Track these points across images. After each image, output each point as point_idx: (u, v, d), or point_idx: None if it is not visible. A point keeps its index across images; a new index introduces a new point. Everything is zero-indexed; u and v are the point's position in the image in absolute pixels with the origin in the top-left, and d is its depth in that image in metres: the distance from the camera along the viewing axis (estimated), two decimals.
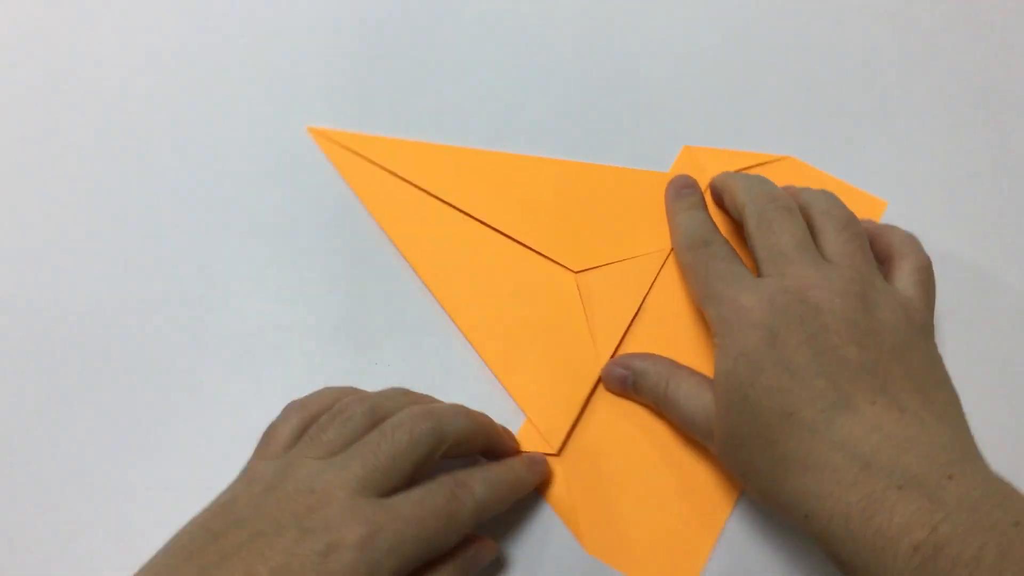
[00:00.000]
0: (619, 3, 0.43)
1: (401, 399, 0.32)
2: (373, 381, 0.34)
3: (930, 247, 0.33)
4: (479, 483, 0.30)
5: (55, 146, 0.40)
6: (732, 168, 0.38)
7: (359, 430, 0.30)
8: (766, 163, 0.39)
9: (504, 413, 0.34)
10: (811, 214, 0.33)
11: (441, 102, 0.41)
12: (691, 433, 0.32)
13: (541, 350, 0.35)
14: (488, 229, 0.37)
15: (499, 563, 0.32)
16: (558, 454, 0.34)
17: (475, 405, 0.32)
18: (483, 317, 0.36)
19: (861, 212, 0.38)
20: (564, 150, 0.40)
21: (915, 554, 0.23)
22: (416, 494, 0.28)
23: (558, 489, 0.33)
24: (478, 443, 0.32)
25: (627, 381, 0.34)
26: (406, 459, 0.28)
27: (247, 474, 0.30)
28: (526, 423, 0.34)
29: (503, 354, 0.35)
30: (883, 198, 0.38)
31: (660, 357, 0.34)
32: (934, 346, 0.30)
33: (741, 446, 0.29)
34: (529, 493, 0.33)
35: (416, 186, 0.38)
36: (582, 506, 0.33)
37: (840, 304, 0.29)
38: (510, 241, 0.37)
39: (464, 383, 0.35)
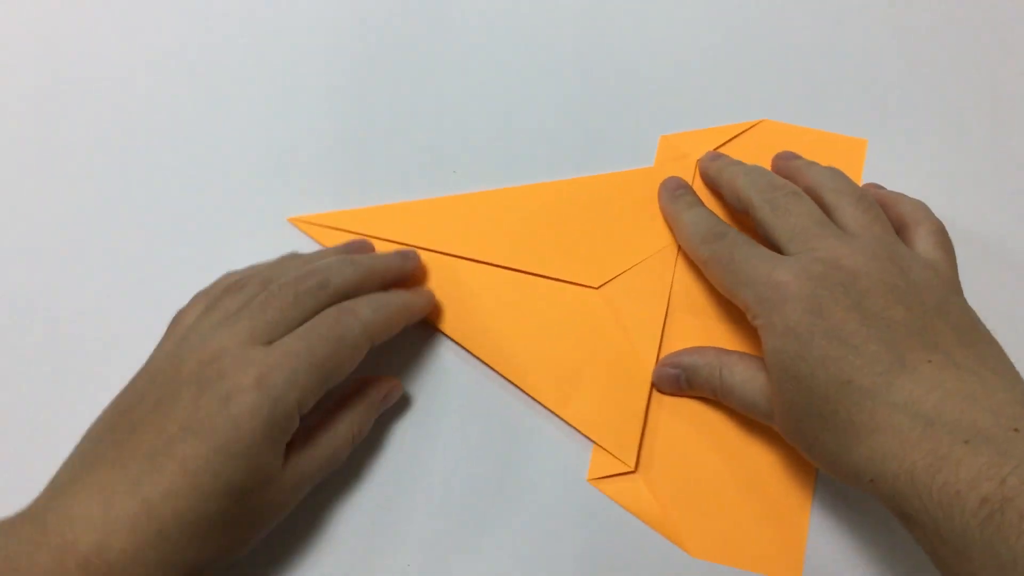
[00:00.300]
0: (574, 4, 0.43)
1: (290, 262, 0.34)
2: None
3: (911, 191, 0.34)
4: (364, 306, 0.32)
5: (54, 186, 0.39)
6: (712, 146, 0.39)
7: (251, 296, 0.31)
8: (743, 132, 0.39)
9: (552, 434, 0.34)
10: (821, 193, 0.33)
11: (402, 151, 0.40)
12: (753, 415, 0.32)
13: (589, 373, 0.35)
14: (498, 269, 0.37)
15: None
16: (635, 470, 0.34)
17: (488, 408, 0.35)
18: (521, 358, 0.35)
19: (843, 155, 0.39)
20: (544, 167, 0.39)
21: (983, 507, 0.23)
22: (301, 329, 0.30)
23: (646, 504, 0.33)
24: (372, 285, 0.33)
25: (680, 379, 0.34)
26: (293, 311, 0.30)
27: (150, 355, 0.31)
28: (596, 448, 0.34)
29: (553, 388, 0.35)
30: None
31: (706, 348, 0.34)
32: (967, 303, 0.30)
33: (802, 420, 0.29)
34: (419, 318, 0.35)
35: (415, 247, 0.37)
36: (676, 514, 0.33)
37: (876, 268, 0.29)
38: (524, 275, 0.37)
39: (471, 389, 0.36)
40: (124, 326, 0.37)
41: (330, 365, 0.29)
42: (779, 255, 0.31)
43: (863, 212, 0.32)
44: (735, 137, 0.39)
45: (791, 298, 0.29)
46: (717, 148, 0.39)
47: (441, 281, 0.37)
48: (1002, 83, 0.40)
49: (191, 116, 0.41)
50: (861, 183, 0.37)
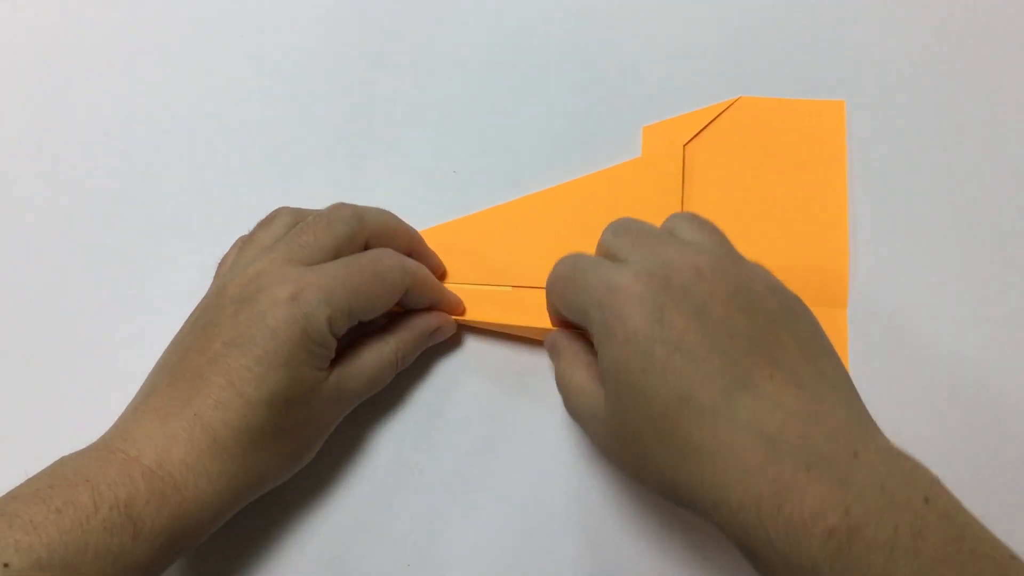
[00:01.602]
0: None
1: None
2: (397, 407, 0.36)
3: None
4: (407, 258, 0.34)
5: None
6: (695, 130, 0.39)
7: (285, 225, 0.33)
8: (721, 113, 0.40)
9: None
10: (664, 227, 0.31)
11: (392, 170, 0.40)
12: (578, 423, 0.32)
13: None
14: (508, 290, 0.37)
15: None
16: None
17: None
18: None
19: (823, 119, 0.39)
20: (543, 166, 0.40)
21: (830, 539, 0.22)
22: (344, 258, 0.32)
23: None
24: (401, 242, 0.35)
25: (552, 351, 0.34)
26: (327, 236, 0.32)
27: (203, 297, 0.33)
28: None
29: None
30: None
31: (578, 341, 0.32)
32: (811, 313, 0.29)
33: (635, 440, 0.27)
34: (448, 312, 0.36)
35: None
36: None
37: (718, 270, 0.27)
38: (537, 291, 0.37)
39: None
40: (123, 326, 0.38)
41: (364, 293, 0.31)
42: (621, 263, 0.29)
43: (699, 226, 0.30)
44: (716, 118, 0.40)
45: (632, 302, 0.26)
46: (699, 130, 0.39)
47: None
48: (981, 36, 0.41)
49: (191, 115, 0.42)
50: (845, 146, 0.38)
